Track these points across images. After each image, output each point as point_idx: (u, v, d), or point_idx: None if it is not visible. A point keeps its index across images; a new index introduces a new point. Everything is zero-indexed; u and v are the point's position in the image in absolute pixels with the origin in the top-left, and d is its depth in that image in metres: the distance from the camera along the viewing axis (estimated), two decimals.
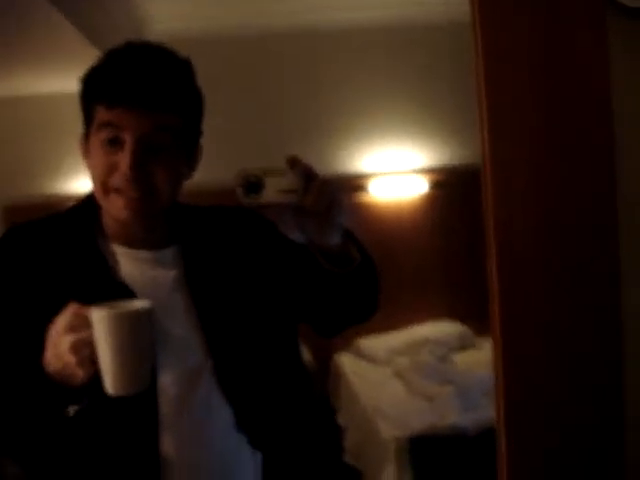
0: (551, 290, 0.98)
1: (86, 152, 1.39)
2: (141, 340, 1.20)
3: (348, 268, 1.42)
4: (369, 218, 5.18)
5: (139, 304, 1.22)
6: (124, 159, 1.27)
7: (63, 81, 4.76)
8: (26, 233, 1.45)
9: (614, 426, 1.01)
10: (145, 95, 1.28)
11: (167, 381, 1.36)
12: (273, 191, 1.27)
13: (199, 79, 1.43)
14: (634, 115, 0.94)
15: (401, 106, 5.11)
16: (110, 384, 1.18)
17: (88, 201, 1.46)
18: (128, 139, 1.28)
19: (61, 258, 1.39)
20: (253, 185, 1.26)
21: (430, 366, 4.32)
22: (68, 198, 4.91)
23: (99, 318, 1.16)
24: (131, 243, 1.42)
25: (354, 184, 5.18)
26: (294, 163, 1.30)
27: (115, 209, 1.34)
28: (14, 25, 3.45)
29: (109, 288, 1.36)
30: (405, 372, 4.44)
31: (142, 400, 1.28)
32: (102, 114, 1.29)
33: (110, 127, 1.29)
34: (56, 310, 1.21)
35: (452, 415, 3.65)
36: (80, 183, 5.11)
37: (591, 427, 1.02)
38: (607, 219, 0.92)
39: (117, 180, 1.30)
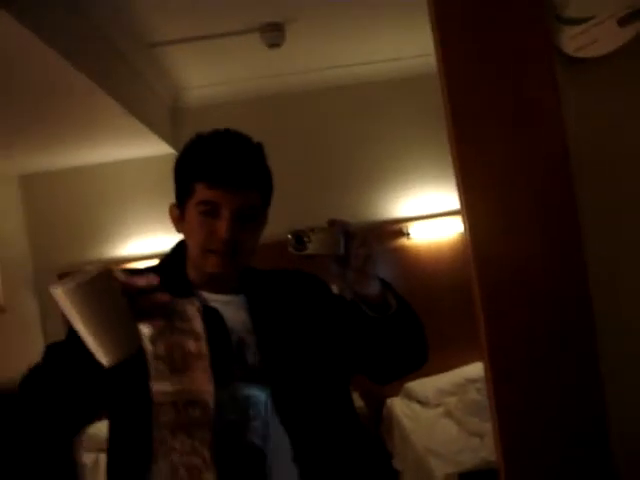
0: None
1: (179, 218, 1.66)
2: (105, 303, 1.16)
3: (387, 313, 1.58)
4: (411, 261, 5.27)
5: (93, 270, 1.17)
6: (222, 228, 1.55)
7: (108, 151, 5.03)
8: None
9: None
10: (239, 179, 1.57)
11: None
12: (317, 245, 1.48)
13: None
14: (587, 148, 1.06)
15: (434, 151, 5.21)
16: (97, 355, 1.18)
17: (174, 255, 1.72)
18: (225, 212, 1.56)
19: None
20: (301, 240, 1.48)
21: (479, 404, 4.34)
22: (116, 261, 5.12)
23: (55, 295, 1.13)
24: (210, 289, 1.65)
25: (394, 229, 5.30)
26: (334, 222, 1.53)
27: (210, 265, 1.59)
28: (63, 105, 3.70)
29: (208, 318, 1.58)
30: (455, 411, 4.48)
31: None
32: (203, 192, 1.57)
33: (210, 203, 1.56)
34: None
35: None
36: (127, 248, 5.34)
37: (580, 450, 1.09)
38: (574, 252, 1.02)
39: (215, 243, 1.57)
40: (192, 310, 1.52)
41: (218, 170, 1.56)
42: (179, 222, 1.66)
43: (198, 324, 1.50)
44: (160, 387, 1.49)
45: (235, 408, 1.54)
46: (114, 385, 1.42)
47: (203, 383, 1.48)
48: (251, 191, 1.59)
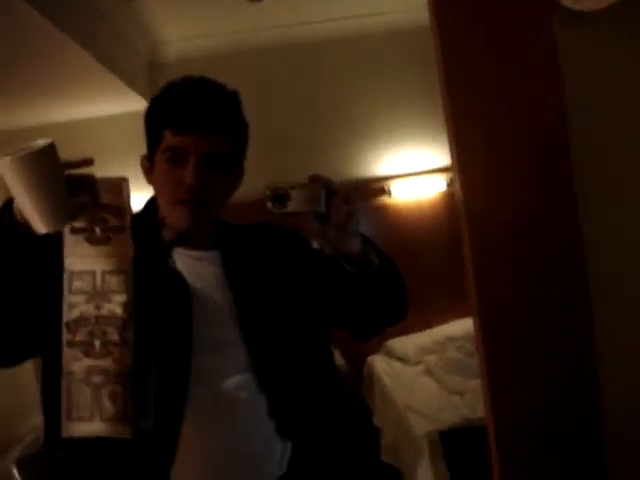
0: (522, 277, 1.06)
1: (149, 169, 1.61)
2: (49, 173, 1.19)
3: (369, 270, 1.55)
4: (392, 219, 5.25)
5: (40, 143, 1.20)
6: (188, 174, 1.50)
7: (84, 108, 4.93)
8: None
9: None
10: (206, 123, 1.52)
11: (203, 363, 1.49)
12: (298, 201, 1.45)
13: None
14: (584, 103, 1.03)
15: (417, 108, 5.17)
16: (36, 223, 1.19)
17: (148, 207, 1.66)
18: (191, 159, 1.51)
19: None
20: (280, 197, 1.45)
21: (459, 362, 4.38)
22: None
23: (3, 166, 1.15)
24: (183, 244, 1.60)
25: (376, 187, 5.26)
26: (315, 178, 1.49)
27: (177, 218, 1.55)
28: (38, 61, 3.61)
29: (167, 276, 1.55)
30: (435, 369, 4.50)
31: (174, 377, 1.44)
32: (170, 139, 1.52)
33: (176, 149, 1.52)
34: None
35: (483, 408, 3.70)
36: None
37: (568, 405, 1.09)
38: (569, 210, 1.01)
39: (182, 192, 1.52)
40: (119, 186, 1.39)
41: (184, 115, 1.52)
42: (149, 173, 1.62)
43: (123, 199, 1.37)
44: (75, 257, 1.38)
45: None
46: (33, 262, 1.34)
47: (123, 252, 1.38)
48: (220, 137, 1.55)
